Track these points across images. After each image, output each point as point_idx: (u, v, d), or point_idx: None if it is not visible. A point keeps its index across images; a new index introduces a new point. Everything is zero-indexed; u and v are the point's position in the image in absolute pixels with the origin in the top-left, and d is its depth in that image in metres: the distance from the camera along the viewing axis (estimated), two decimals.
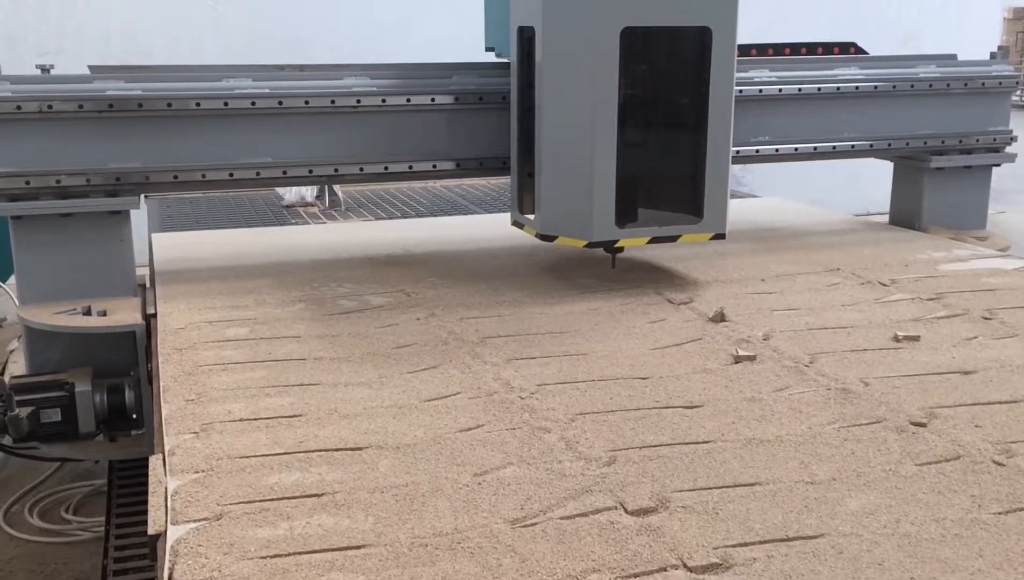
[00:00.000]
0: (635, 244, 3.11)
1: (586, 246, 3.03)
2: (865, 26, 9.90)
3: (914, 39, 10.14)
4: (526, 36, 3.04)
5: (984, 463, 1.93)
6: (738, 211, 4.65)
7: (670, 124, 3.21)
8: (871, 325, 2.82)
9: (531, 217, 3.20)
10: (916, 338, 2.67)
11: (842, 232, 4.15)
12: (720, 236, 3.14)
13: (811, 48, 5.45)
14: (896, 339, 2.68)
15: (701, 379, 2.41)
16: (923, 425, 2.11)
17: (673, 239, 3.11)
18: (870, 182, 8.24)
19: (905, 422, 2.12)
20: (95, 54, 7.52)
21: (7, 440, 3.05)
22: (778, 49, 5.53)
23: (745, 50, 5.12)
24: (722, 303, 2.97)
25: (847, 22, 9.82)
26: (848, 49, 5.42)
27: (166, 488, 1.83)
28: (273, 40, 7.47)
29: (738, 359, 2.53)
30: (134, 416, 2.98)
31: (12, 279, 5.65)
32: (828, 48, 5.45)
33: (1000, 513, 1.74)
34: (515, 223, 3.34)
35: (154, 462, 1.95)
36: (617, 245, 3.08)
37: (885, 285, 3.24)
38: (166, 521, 1.71)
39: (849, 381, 2.38)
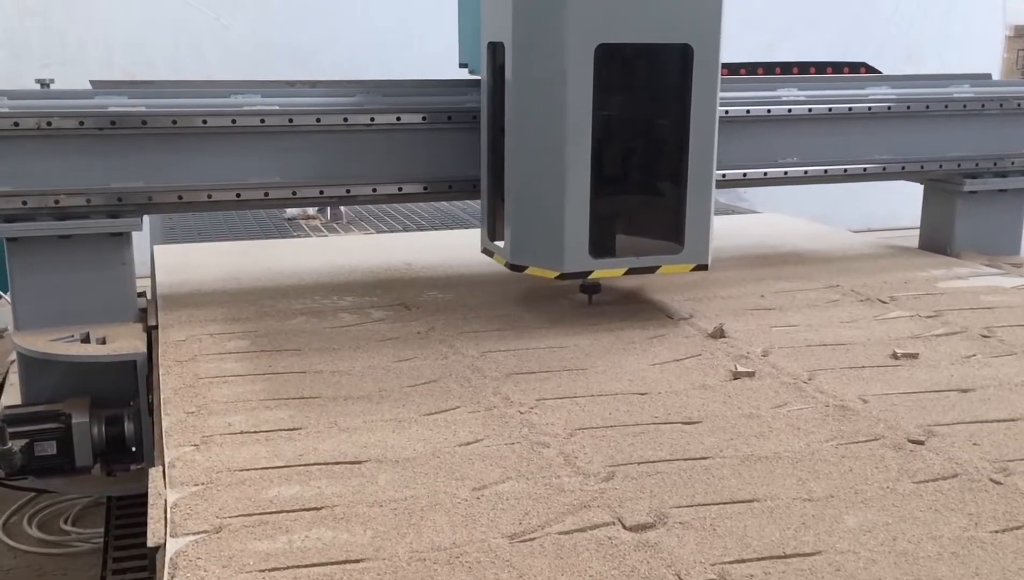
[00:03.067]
0: (611, 276, 2.97)
1: (557, 278, 2.87)
2: (869, 43, 9.95)
3: (916, 57, 10.18)
4: (496, 52, 2.91)
5: (981, 481, 1.93)
6: (739, 227, 4.67)
7: (650, 148, 3.06)
8: (870, 342, 2.82)
9: (501, 245, 3.03)
10: (915, 355, 2.68)
11: (842, 248, 4.16)
12: (702, 267, 2.98)
13: (820, 67, 5.37)
14: (895, 356, 2.68)
15: (700, 395, 2.42)
16: (921, 443, 2.11)
17: (652, 270, 2.98)
18: (872, 198, 8.29)
19: (903, 439, 2.13)
20: (98, 64, 7.56)
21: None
22: (780, 68, 5.49)
23: (735, 69, 5.11)
24: (721, 319, 2.98)
25: (852, 39, 9.86)
26: (858, 69, 5.37)
27: (165, 500, 1.84)
28: (277, 51, 7.51)
29: (737, 375, 2.53)
30: (133, 449, 2.86)
31: None
32: (837, 67, 5.38)
33: (997, 532, 1.74)
34: (485, 251, 3.17)
35: (154, 474, 1.96)
36: (591, 278, 2.94)
37: (884, 302, 3.25)
38: (165, 533, 1.71)
39: (847, 398, 2.38)
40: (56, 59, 7.54)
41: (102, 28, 7.61)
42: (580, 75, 2.69)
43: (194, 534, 1.70)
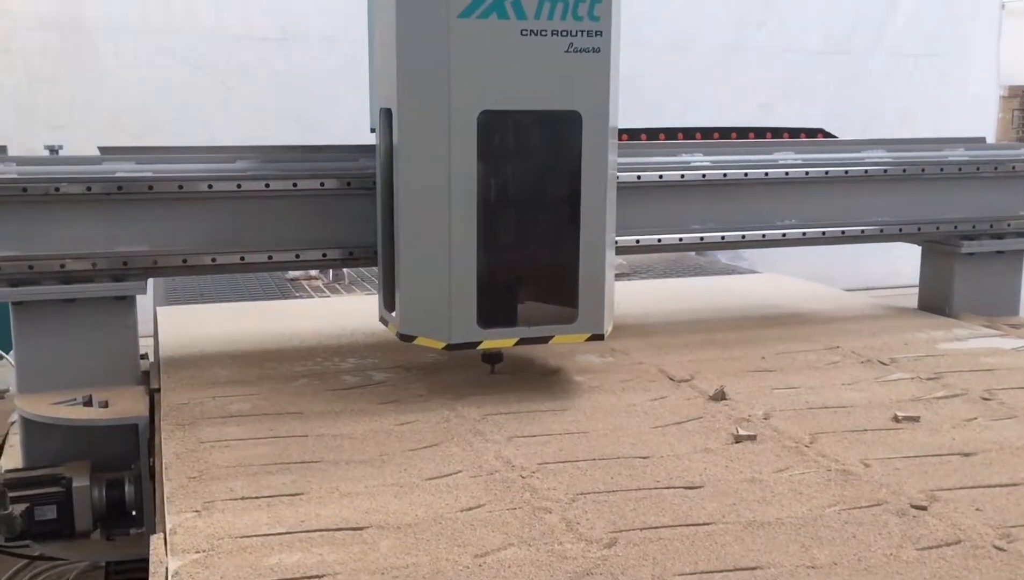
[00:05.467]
0: (501, 346, 2.89)
1: (445, 349, 2.79)
2: (863, 107, 10.10)
3: (911, 120, 10.31)
4: (388, 118, 2.86)
5: (985, 548, 1.93)
6: (738, 287, 4.70)
7: (544, 215, 2.97)
8: (871, 405, 2.83)
9: (395, 314, 2.93)
10: (916, 419, 2.68)
11: (841, 309, 4.18)
12: (598, 337, 2.90)
13: (776, 132, 5.37)
14: (896, 419, 2.69)
15: (702, 459, 2.42)
16: (924, 508, 2.11)
17: (545, 340, 2.87)
18: (871, 256, 8.34)
19: (906, 505, 2.13)
20: (105, 126, 7.66)
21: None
22: (736, 133, 5.46)
23: (635, 135, 5.13)
24: (722, 381, 2.99)
25: (847, 101, 10.00)
26: (816, 134, 5.39)
27: (167, 568, 1.83)
28: (284, 114, 7.60)
29: (739, 439, 2.54)
30: (133, 513, 2.84)
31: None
32: (795, 133, 5.39)
33: None
34: (382, 320, 3.08)
35: (155, 541, 1.95)
36: (482, 348, 2.86)
37: (885, 364, 3.26)
38: None
39: (850, 462, 2.38)
40: (63, 121, 7.64)
41: (109, 91, 7.72)
42: (463, 142, 2.65)
43: None
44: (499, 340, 2.85)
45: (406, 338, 2.82)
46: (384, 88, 2.86)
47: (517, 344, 2.87)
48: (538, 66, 2.68)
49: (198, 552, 1.89)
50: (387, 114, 2.83)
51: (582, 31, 2.68)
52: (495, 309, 2.82)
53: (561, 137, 2.83)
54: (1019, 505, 2.14)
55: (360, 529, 2.01)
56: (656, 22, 9.22)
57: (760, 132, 5.33)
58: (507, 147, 2.89)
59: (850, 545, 1.95)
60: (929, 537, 1.98)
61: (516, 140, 2.91)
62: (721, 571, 1.84)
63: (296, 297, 4.58)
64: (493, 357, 3.04)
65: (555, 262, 2.93)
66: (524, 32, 2.64)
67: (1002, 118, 10.94)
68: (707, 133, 5.28)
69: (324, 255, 3.24)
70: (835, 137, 4.94)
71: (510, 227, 2.91)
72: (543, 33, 2.66)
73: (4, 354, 5.47)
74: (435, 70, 2.63)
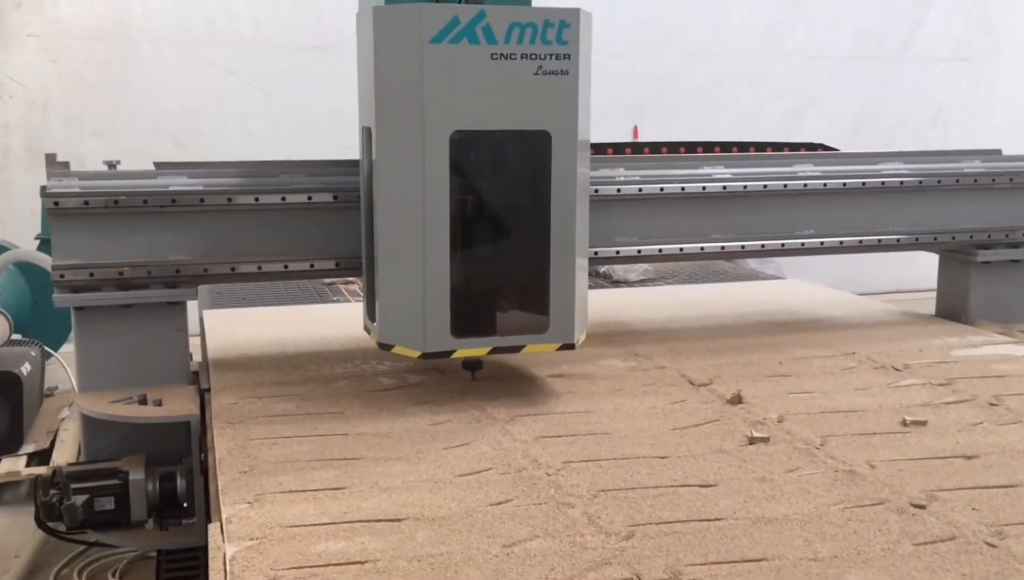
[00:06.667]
0: (474, 354, 3.02)
1: (420, 357, 2.91)
2: (893, 109, 10.15)
3: (943, 120, 10.36)
4: (368, 137, 2.99)
5: (977, 544, 2.07)
6: (761, 292, 4.84)
7: (517, 229, 3.08)
8: (881, 409, 2.97)
9: (376, 324, 3.04)
10: (923, 423, 2.82)
11: (860, 315, 4.30)
12: (568, 346, 3.00)
13: (777, 147, 5.42)
14: (904, 424, 2.82)
15: (717, 459, 2.57)
16: (923, 507, 2.25)
17: (517, 350, 2.99)
18: (898, 261, 8.40)
19: (906, 504, 2.27)
20: (148, 134, 7.93)
21: (60, 526, 3.06)
22: (720, 147, 5.51)
23: (619, 149, 5.21)
24: (740, 385, 3.14)
25: (875, 107, 10.07)
26: (816, 148, 5.46)
27: (224, 553, 2.02)
28: (321, 120, 7.80)
29: (752, 441, 2.69)
30: (185, 504, 3.02)
31: (63, 348, 5.94)
32: (795, 147, 5.44)
33: None
34: (365, 329, 3.21)
35: (212, 529, 2.15)
36: (455, 356, 2.98)
37: (898, 370, 3.39)
38: None
39: (856, 463, 2.53)
40: (108, 128, 7.91)
41: (153, 100, 7.97)
42: (437, 160, 2.78)
43: None
44: (473, 349, 2.97)
45: (385, 347, 2.97)
46: (365, 108, 3.00)
47: (490, 353, 3.00)
48: (508, 88, 2.81)
49: (252, 539, 2.08)
50: (367, 132, 2.98)
51: (551, 54, 2.81)
52: (469, 319, 2.96)
53: (531, 155, 2.95)
54: (1014, 505, 2.28)
55: (398, 520, 2.19)
56: (684, 28, 9.36)
57: (760, 146, 5.42)
58: (480, 165, 3.02)
59: (851, 540, 2.10)
60: (926, 533, 2.13)
61: (488, 158, 3.05)
62: (729, 562, 2.00)
63: (333, 301, 4.78)
64: (473, 365, 3.18)
65: (527, 274, 3.05)
66: (494, 56, 2.78)
67: None
68: (691, 148, 5.38)
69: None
70: (836, 150, 5.02)
71: (483, 241, 3.03)
72: (512, 57, 2.79)
73: (54, 353, 5.73)
74: (410, 92, 2.77)
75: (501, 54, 2.78)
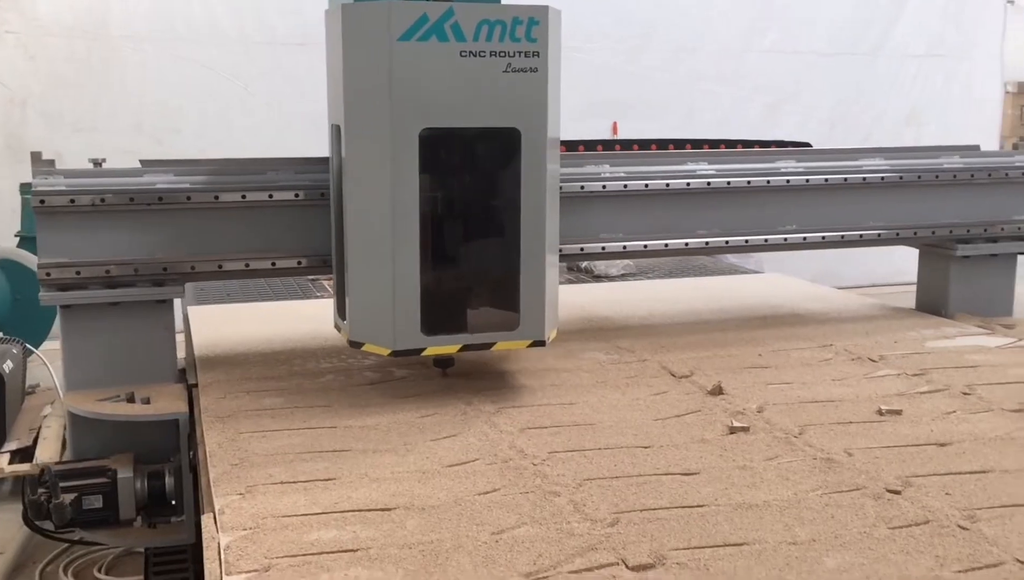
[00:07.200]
0: (445, 352, 3.00)
1: (390, 355, 2.92)
2: (869, 106, 10.27)
3: (917, 117, 10.49)
4: (337, 134, 2.97)
5: (950, 527, 2.14)
6: (742, 287, 4.91)
7: (487, 226, 3.10)
8: (858, 399, 3.04)
9: (346, 321, 3.04)
10: (898, 412, 2.89)
11: (839, 309, 4.38)
12: (539, 343, 3.01)
13: (765, 144, 5.51)
14: (880, 413, 2.90)
15: (699, 448, 2.63)
16: (898, 492, 2.32)
17: (488, 346, 3.00)
18: (874, 256, 8.51)
19: (882, 489, 2.34)
20: (128, 130, 7.92)
21: (49, 525, 3.06)
22: (708, 145, 5.59)
23: (591, 146, 5.29)
24: (721, 376, 3.20)
25: (852, 103, 10.18)
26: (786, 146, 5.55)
27: (219, 543, 2.06)
28: (303, 118, 7.80)
29: (733, 430, 2.75)
30: (173, 502, 3.02)
31: (44, 345, 5.93)
32: (782, 145, 5.52)
33: (960, 571, 1.95)
34: (336, 326, 3.21)
35: (206, 520, 2.19)
36: (427, 354, 2.99)
37: (874, 361, 3.46)
38: (220, 572, 1.94)
39: (834, 451, 2.60)
40: (88, 126, 7.89)
41: (133, 96, 7.95)
42: (405, 157, 2.79)
43: (246, 572, 1.92)
44: (443, 346, 2.99)
45: (355, 344, 2.98)
46: (334, 106, 3.01)
47: (460, 350, 3.02)
48: (477, 86, 2.82)
49: (245, 529, 2.12)
50: (336, 130, 2.99)
51: (520, 52, 2.82)
52: (439, 317, 2.97)
53: (501, 152, 2.96)
54: (985, 490, 2.35)
55: (388, 510, 2.23)
56: (664, 25, 9.43)
57: (748, 144, 5.51)
58: (449, 162, 3.03)
59: (829, 524, 2.16)
60: (901, 518, 2.19)
61: (458, 155, 3.05)
62: (711, 546, 2.06)
63: (317, 297, 4.81)
64: (444, 362, 3.21)
65: (497, 272, 3.06)
66: (463, 53, 2.79)
67: (1010, 115, 11.08)
68: (680, 145, 5.46)
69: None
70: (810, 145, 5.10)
71: (453, 238, 3.05)
72: (482, 54, 2.80)
73: (35, 350, 5.72)
74: (378, 90, 2.78)
75: (470, 52, 2.79)
